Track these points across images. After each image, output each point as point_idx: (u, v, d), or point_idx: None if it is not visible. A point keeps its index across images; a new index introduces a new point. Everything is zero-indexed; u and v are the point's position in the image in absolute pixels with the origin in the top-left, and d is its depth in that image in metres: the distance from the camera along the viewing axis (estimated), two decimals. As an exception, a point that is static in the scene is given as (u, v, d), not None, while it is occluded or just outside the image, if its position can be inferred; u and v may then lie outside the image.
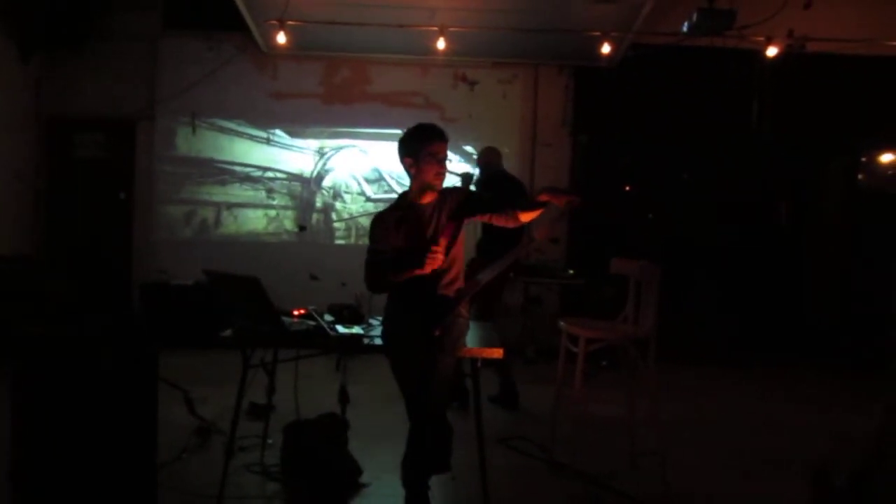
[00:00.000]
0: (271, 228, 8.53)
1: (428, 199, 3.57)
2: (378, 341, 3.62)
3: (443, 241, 3.47)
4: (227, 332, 3.70)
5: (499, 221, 3.69)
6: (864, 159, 8.40)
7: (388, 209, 3.67)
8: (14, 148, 7.73)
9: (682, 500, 4.18)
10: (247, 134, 8.43)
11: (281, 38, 7.17)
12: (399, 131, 8.06)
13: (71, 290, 7.33)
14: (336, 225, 8.57)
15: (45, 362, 3.06)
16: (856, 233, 8.29)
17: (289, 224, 8.55)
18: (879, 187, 8.20)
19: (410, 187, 3.63)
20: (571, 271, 7.61)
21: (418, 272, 3.39)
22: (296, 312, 3.97)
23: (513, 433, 4.95)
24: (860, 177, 8.33)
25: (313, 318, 3.87)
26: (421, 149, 3.49)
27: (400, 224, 3.56)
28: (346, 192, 8.55)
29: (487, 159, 6.09)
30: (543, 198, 3.51)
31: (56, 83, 8.19)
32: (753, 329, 8.08)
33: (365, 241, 8.27)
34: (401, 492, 3.75)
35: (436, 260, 3.36)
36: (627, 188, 8.72)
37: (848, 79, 7.85)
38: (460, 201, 3.59)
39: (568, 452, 4.34)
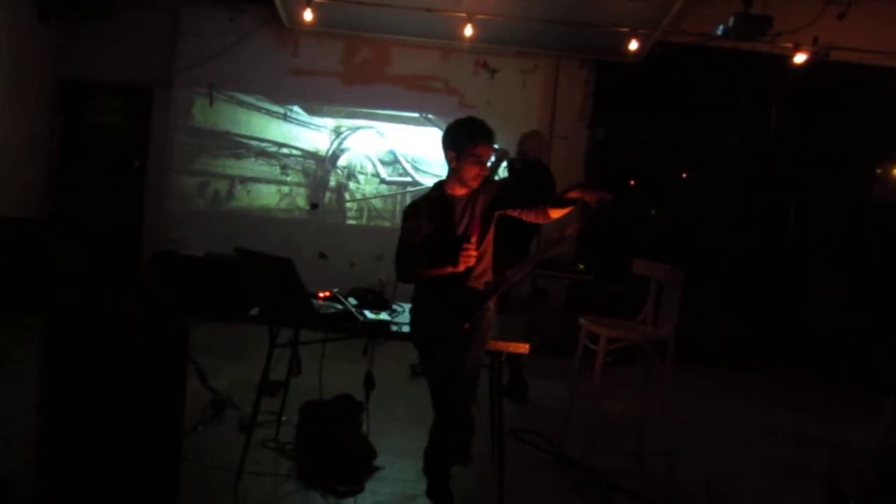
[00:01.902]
0: (284, 205, 8.52)
1: (462, 191, 3.57)
2: (405, 329, 3.63)
3: (474, 239, 3.46)
4: (254, 311, 3.71)
5: (528, 217, 3.69)
6: (878, 171, 8.42)
7: (422, 199, 3.65)
8: (28, 109, 7.68)
9: (688, 501, 4.24)
10: (264, 109, 8.40)
11: (308, 14, 7.14)
12: (416, 114, 8.36)
13: (81, 255, 7.35)
14: (348, 205, 8.57)
15: (77, 332, 3.06)
16: (864, 244, 8.32)
17: (301, 201, 8.55)
18: (893, 201, 8.21)
19: (447, 178, 3.62)
20: (581, 266, 7.61)
21: (451, 270, 3.39)
22: (321, 294, 3.98)
23: (521, 425, 4.97)
24: (874, 189, 8.35)
25: (339, 301, 3.89)
26: (465, 148, 3.43)
27: (432, 215, 3.55)
28: (361, 173, 8.54)
29: (527, 146, 6.05)
30: (574, 194, 3.50)
31: (74, 46, 8.12)
32: (755, 333, 8.12)
33: (377, 222, 8.50)
34: (414, 476, 3.80)
35: (469, 258, 3.36)
36: (632, 182, 8.73)
37: (869, 89, 7.85)
38: (495, 196, 3.58)
39: (577, 448, 4.38)
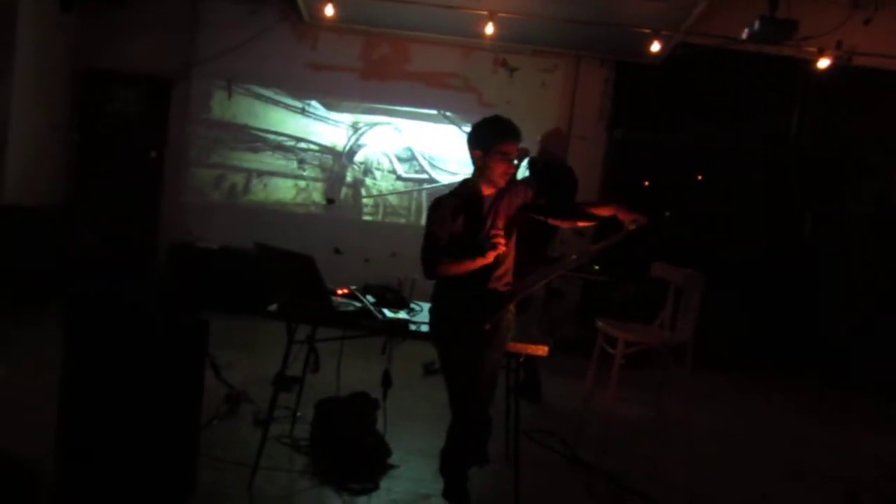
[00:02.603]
0: (300, 199, 8.52)
1: (489, 191, 3.54)
2: (424, 328, 3.62)
3: (501, 233, 3.42)
4: (273, 307, 3.71)
5: (554, 222, 3.69)
6: (898, 177, 8.36)
7: (449, 195, 3.62)
8: (50, 98, 7.70)
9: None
10: (282, 103, 8.40)
11: (328, 10, 7.14)
12: (434, 112, 8.32)
13: (99, 244, 7.39)
14: (364, 201, 8.56)
15: (99, 322, 3.07)
16: (882, 250, 8.25)
17: (317, 196, 8.54)
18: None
19: (474, 176, 3.59)
20: (597, 267, 7.58)
21: (481, 261, 3.33)
22: (339, 291, 3.98)
23: (535, 426, 4.95)
24: (893, 195, 8.28)
25: (357, 299, 3.88)
26: (493, 145, 3.40)
27: (458, 212, 3.52)
28: (377, 169, 8.53)
29: (549, 145, 6.02)
30: (609, 211, 3.48)
31: (96, 35, 8.12)
32: (770, 338, 8.08)
33: (392, 219, 8.49)
34: (428, 475, 3.80)
35: (500, 246, 3.31)
36: (646, 183, 8.70)
37: (892, 95, 7.79)
38: (524, 202, 3.55)
39: (591, 450, 4.36)
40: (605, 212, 3.47)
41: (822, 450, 5.44)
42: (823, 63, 6.88)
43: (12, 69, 6.86)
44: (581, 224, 3.58)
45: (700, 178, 8.76)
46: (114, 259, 7.40)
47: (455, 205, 3.49)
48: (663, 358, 4.36)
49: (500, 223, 3.49)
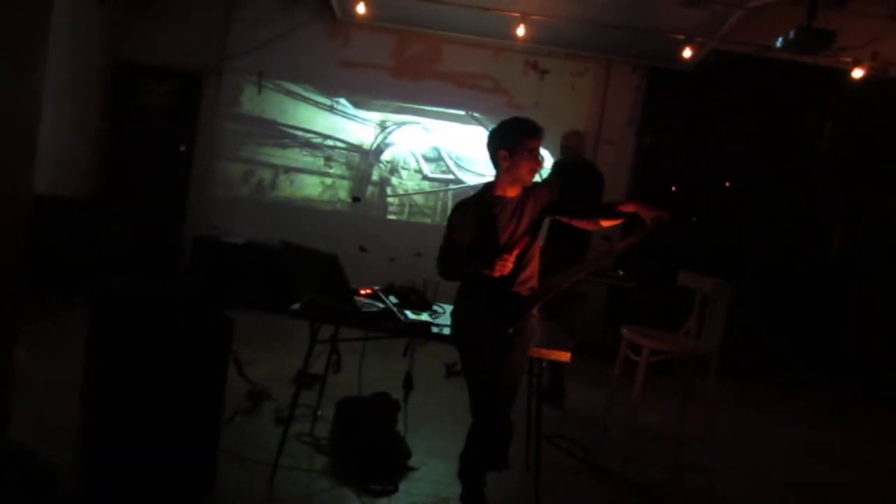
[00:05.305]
0: (326, 196, 8.53)
1: (513, 192, 3.53)
2: (446, 330, 3.61)
3: (516, 251, 3.42)
4: (297, 306, 3.71)
5: (579, 223, 3.66)
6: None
7: (471, 199, 3.62)
8: (84, 89, 7.76)
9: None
10: (311, 100, 8.42)
11: (361, 8, 7.15)
12: (463, 112, 8.31)
13: (126, 236, 7.44)
14: (390, 200, 8.56)
15: (123, 316, 3.08)
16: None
17: (343, 194, 8.56)
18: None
19: (497, 179, 3.58)
20: (622, 272, 7.52)
21: (486, 272, 3.37)
22: (363, 291, 3.98)
23: (557, 431, 4.92)
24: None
25: (380, 300, 3.88)
26: (520, 143, 3.42)
27: (480, 216, 3.52)
28: (404, 168, 8.53)
29: (571, 144, 6.02)
30: (630, 208, 3.45)
31: (129, 29, 8.18)
32: (797, 349, 7.99)
33: (418, 218, 8.48)
34: (448, 478, 3.78)
35: (505, 268, 3.33)
36: (674, 188, 8.62)
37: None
38: (548, 203, 3.54)
39: (613, 457, 4.33)
40: (626, 209, 3.44)
41: (848, 464, 5.36)
42: (857, 74, 6.78)
43: (46, 61, 6.90)
44: (604, 223, 3.55)
45: (728, 185, 8.68)
46: (141, 251, 7.46)
47: (478, 209, 3.49)
48: (688, 367, 4.31)
49: (525, 226, 3.49)
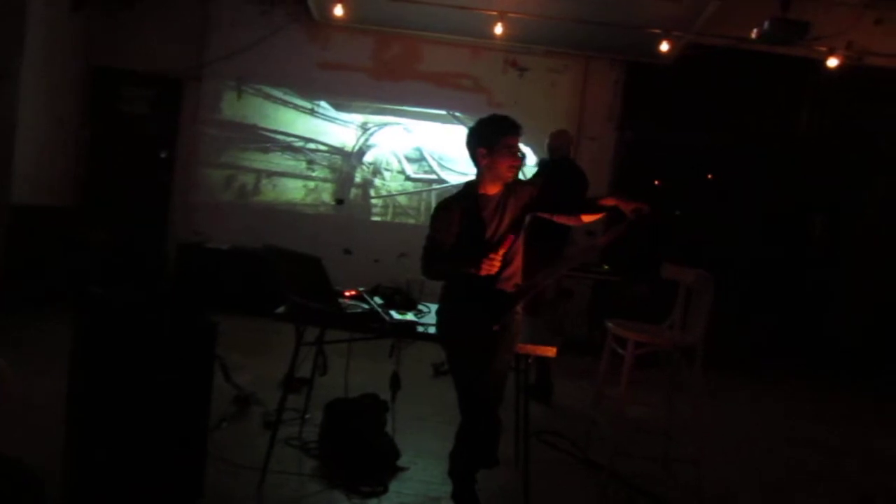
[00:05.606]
0: (309, 200, 8.52)
1: (495, 190, 3.53)
2: (431, 330, 3.60)
3: (501, 250, 3.41)
4: (281, 309, 3.71)
5: (560, 219, 3.66)
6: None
7: (454, 198, 3.61)
8: (60, 97, 7.70)
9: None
10: (292, 103, 8.41)
11: (338, 10, 7.15)
12: (443, 112, 8.32)
13: (108, 244, 7.40)
14: (374, 201, 8.56)
15: (107, 323, 3.07)
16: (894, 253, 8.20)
17: (327, 197, 8.55)
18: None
19: (478, 177, 3.58)
20: (606, 267, 7.55)
21: (472, 271, 3.36)
22: (347, 293, 3.97)
23: (545, 427, 4.94)
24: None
25: (365, 301, 3.87)
26: (498, 140, 3.40)
27: (463, 215, 3.51)
28: (387, 170, 8.53)
29: (557, 143, 6.03)
30: (610, 202, 3.46)
31: (106, 35, 8.13)
32: (776, 339, 8.04)
33: (402, 219, 8.48)
34: (438, 477, 3.78)
35: (492, 268, 3.32)
36: (657, 182, 8.67)
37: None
38: (529, 200, 3.54)
39: (602, 451, 4.34)
40: (606, 203, 3.45)
41: (834, 452, 5.40)
42: (832, 63, 6.84)
43: (22, 69, 6.86)
44: (586, 219, 3.55)
45: (710, 177, 8.73)
46: (124, 259, 7.42)
47: (461, 207, 3.48)
48: (673, 359, 4.33)
49: (507, 223, 3.48)
